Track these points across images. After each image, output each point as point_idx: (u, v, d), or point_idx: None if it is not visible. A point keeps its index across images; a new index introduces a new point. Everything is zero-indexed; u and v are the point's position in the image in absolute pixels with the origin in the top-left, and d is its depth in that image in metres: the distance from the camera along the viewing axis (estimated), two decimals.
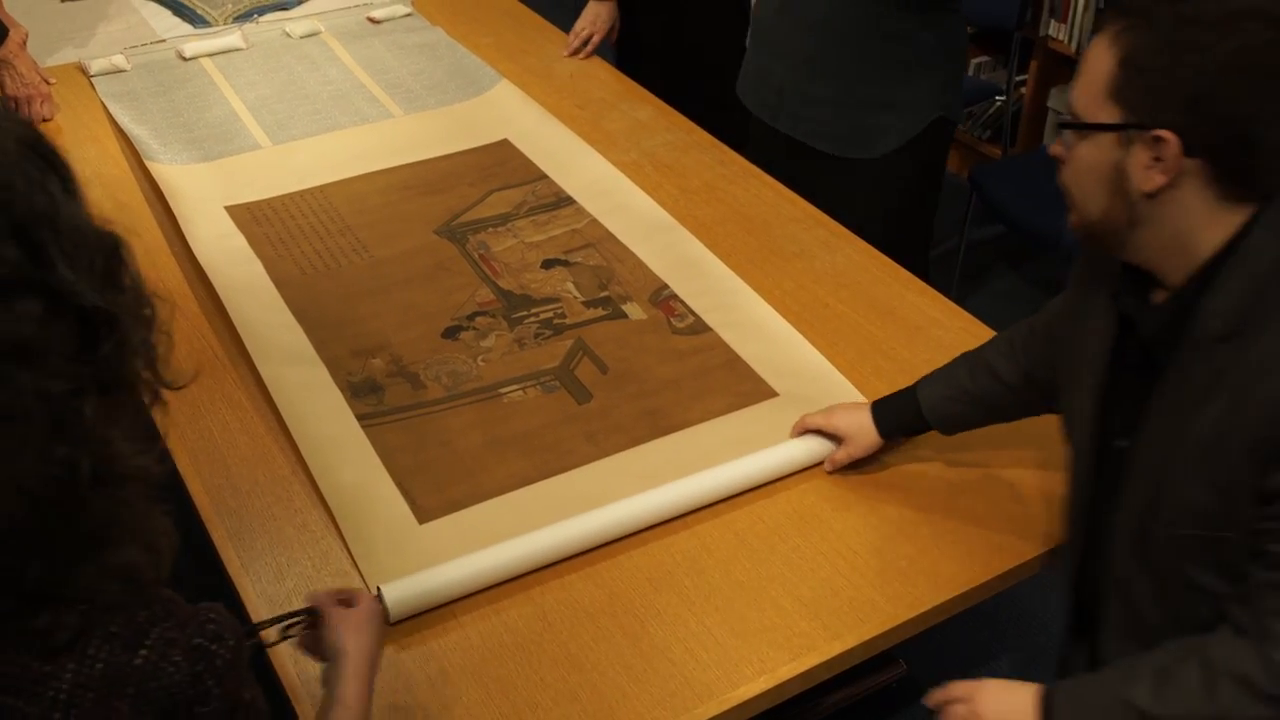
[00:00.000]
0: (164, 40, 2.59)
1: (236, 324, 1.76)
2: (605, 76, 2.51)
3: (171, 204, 2.03)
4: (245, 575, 1.42)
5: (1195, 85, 1.02)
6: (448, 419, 1.63)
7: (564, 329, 1.79)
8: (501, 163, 2.21)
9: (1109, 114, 1.08)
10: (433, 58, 2.56)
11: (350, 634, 1.11)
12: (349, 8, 2.75)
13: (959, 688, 1.25)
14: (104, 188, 2.13)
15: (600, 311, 1.83)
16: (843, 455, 1.52)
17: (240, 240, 1.97)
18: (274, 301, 1.84)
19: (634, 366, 1.72)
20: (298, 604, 1.36)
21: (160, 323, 0.83)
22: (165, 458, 0.84)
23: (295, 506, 1.51)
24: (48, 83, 2.37)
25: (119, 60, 2.48)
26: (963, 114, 2.30)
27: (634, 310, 1.84)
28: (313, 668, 1.30)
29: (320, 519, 1.49)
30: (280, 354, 1.72)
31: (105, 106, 2.36)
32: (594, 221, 2.03)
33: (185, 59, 2.51)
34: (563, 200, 2.10)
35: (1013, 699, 1.19)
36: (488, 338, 1.78)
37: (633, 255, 1.95)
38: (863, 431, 1.51)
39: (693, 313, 1.82)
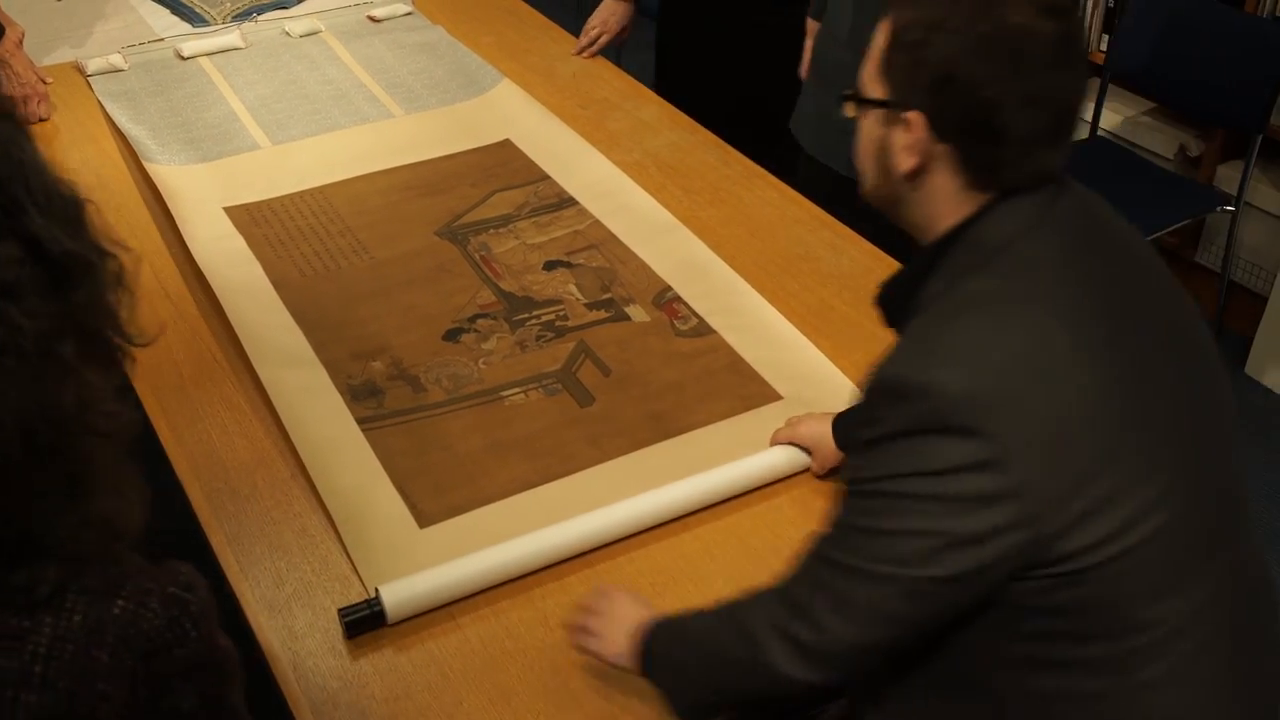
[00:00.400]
0: (162, 39, 2.57)
1: (235, 326, 1.74)
2: (608, 76, 2.49)
3: (170, 205, 2.01)
4: (244, 580, 1.40)
5: (944, 68, 1.01)
6: (449, 422, 1.61)
7: (566, 331, 1.77)
8: (503, 163, 2.19)
9: (878, 90, 1.08)
10: (434, 57, 2.54)
11: None
12: (349, 6, 2.73)
13: (591, 598, 1.28)
14: (101, 188, 2.11)
15: (603, 314, 1.81)
16: (816, 466, 1.50)
17: (239, 241, 1.95)
18: (273, 303, 1.82)
19: (637, 369, 1.70)
20: (298, 610, 1.36)
21: (126, 276, 0.87)
22: (138, 407, 0.86)
23: (295, 511, 1.49)
24: (44, 82, 2.35)
25: (116, 59, 2.46)
26: None
27: (637, 312, 1.82)
28: (314, 675, 1.29)
29: (320, 524, 1.47)
30: (279, 356, 1.70)
31: (102, 106, 2.34)
32: (596, 223, 2.01)
33: (183, 58, 2.50)
34: (565, 201, 2.08)
35: (635, 612, 1.22)
36: (489, 340, 1.76)
37: (636, 257, 1.93)
38: (825, 441, 1.48)
39: (696, 315, 1.80)
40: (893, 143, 1.06)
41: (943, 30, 1.00)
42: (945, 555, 0.95)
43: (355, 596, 1.37)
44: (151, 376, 1.69)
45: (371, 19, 2.68)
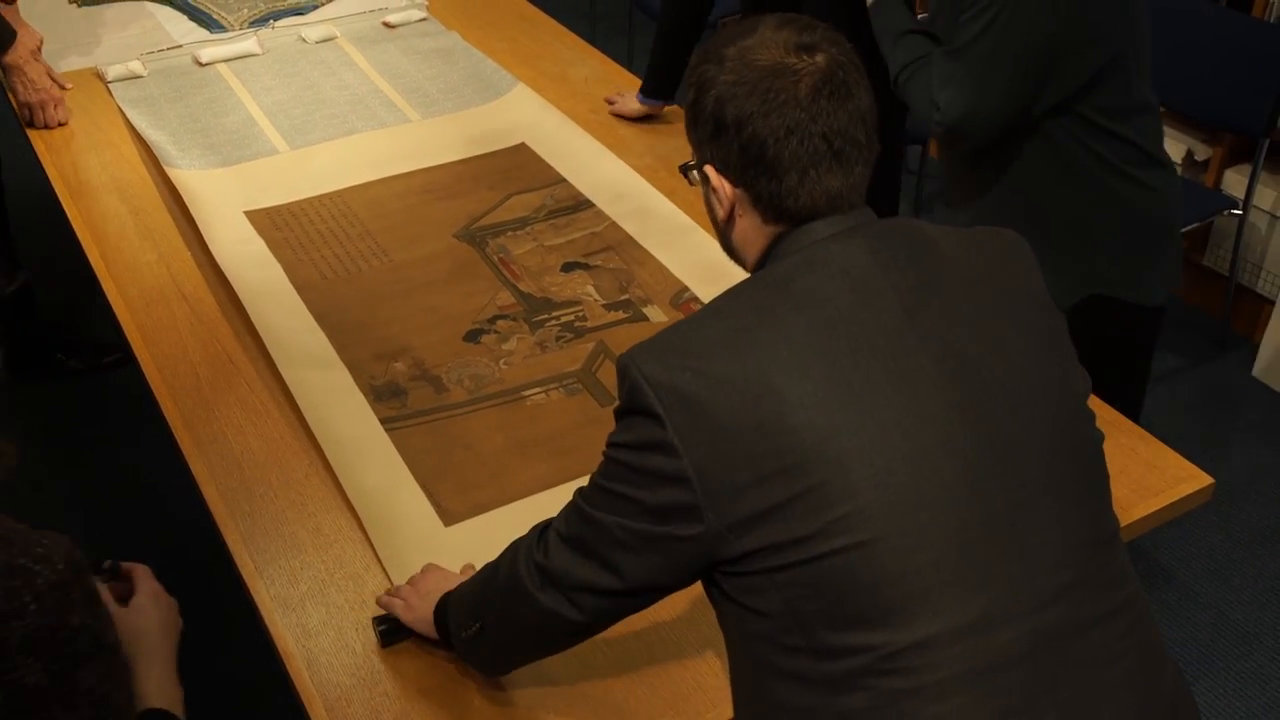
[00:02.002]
0: (180, 45, 2.59)
1: (258, 328, 1.76)
2: (620, 82, 2.51)
3: (191, 209, 2.03)
4: (259, 578, 1.42)
5: (713, 117, 1.09)
6: (471, 422, 1.63)
7: (585, 332, 1.79)
8: (519, 166, 2.21)
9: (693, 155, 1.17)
10: (449, 62, 2.56)
11: (127, 637, 1.10)
12: (364, 13, 2.75)
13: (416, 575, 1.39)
14: (121, 193, 2.13)
15: (621, 314, 1.83)
16: None
17: (260, 245, 1.98)
18: (295, 305, 1.84)
19: None
20: (312, 608, 1.37)
21: None
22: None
23: (309, 510, 1.51)
24: (63, 88, 2.38)
25: (135, 66, 2.49)
26: (1154, 298, 1.86)
27: (655, 313, 1.84)
28: (328, 672, 1.30)
29: (334, 523, 1.49)
30: (302, 357, 1.72)
31: (122, 112, 2.36)
32: (613, 224, 2.03)
33: (202, 64, 2.52)
34: (581, 204, 2.10)
35: (446, 583, 1.32)
36: (509, 341, 1.78)
37: (653, 258, 1.95)
38: None
39: None
40: (710, 198, 1.15)
41: (708, 85, 1.09)
42: (636, 515, 1.05)
43: (368, 595, 1.39)
44: (169, 377, 1.71)
45: (386, 25, 2.70)
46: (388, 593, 1.37)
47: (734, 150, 1.08)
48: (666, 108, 2.37)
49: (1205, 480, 1.52)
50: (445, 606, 1.28)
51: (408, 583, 1.37)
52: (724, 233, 1.17)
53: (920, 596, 0.98)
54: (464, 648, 1.26)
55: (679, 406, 1.01)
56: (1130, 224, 1.81)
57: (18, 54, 2.32)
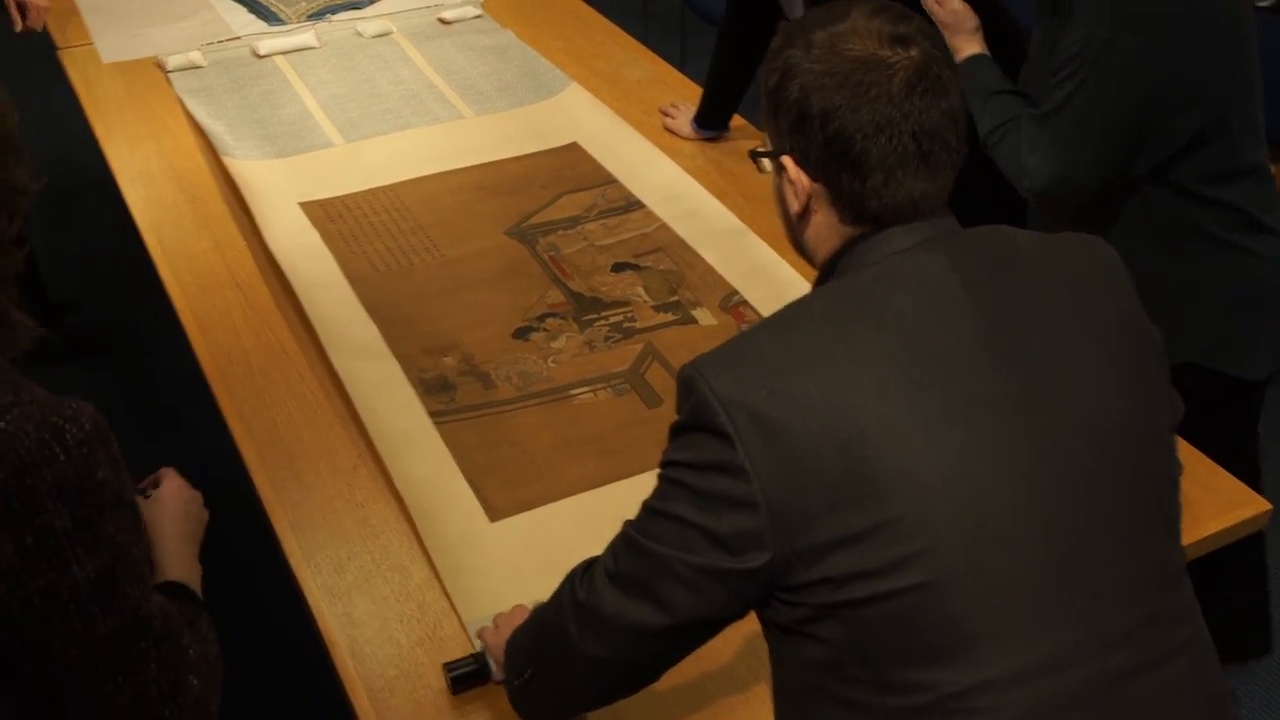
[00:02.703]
0: (239, 37, 2.62)
1: (311, 318, 1.78)
2: (673, 82, 2.52)
3: (246, 198, 2.05)
4: (306, 566, 1.43)
5: (798, 107, 1.03)
6: (519, 419, 1.64)
7: (634, 333, 1.80)
8: (571, 165, 2.22)
9: (769, 143, 1.11)
10: (503, 60, 2.57)
11: (151, 520, 1.22)
12: (420, 8, 2.77)
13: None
14: (178, 180, 2.16)
15: (670, 316, 1.83)
16: None
17: (314, 236, 2.00)
18: (347, 298, 1.86)
19: None
20: (358, 598, 1.38)
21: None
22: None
23: (357, 501, 1.52)
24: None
25: (195, 56, 2.52)
26: (1255, 371, 1.76)
27: (704, 315, 1.84)
28: (372, 663, 1.32)
29: (381, 514, 1.50)
30: (354, 349, 1.74)
31: (181, 102, 2.39)
32: (664, 226, 2.04)
33: (260, 56, 2.55)
34: (632, 204, 2.10)
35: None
36: (558, 339, 1.78)
37: (703, 260, 1.95)
38: None
39: (762, 318, 1.82)
40: (784, 190, 1.09)
41: (794, 72, 1.03)
42: (698, 545, 0.98)
43: (414, 587, 1.40)
44: (221, 365, 1.73)
45: (442, 21, 2.72)
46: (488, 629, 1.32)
47: (817, 143, 1.03)
48: None
49: (1262, 506, 1.50)
50: (507, 649, 1.21)
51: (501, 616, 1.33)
52: (794, 227, 1.12)
53: (990, 637, 0.95)
54: (516, 697, 1.19)
55: (751, 427, 0.95)
56: (1231, 293, 1.72)
57: None
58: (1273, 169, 1.75)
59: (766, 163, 1.13)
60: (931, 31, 1.06)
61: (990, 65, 1.81)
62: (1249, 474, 1.73)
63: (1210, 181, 1.65)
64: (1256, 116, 1.68)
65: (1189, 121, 1.61)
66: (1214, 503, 1.50)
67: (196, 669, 1.05)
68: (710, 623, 1.03)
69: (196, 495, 1.33)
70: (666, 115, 2.35)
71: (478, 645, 1.31)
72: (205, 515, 1.33)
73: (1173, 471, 1.09)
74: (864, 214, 1.05)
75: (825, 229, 1.08)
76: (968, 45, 1.83)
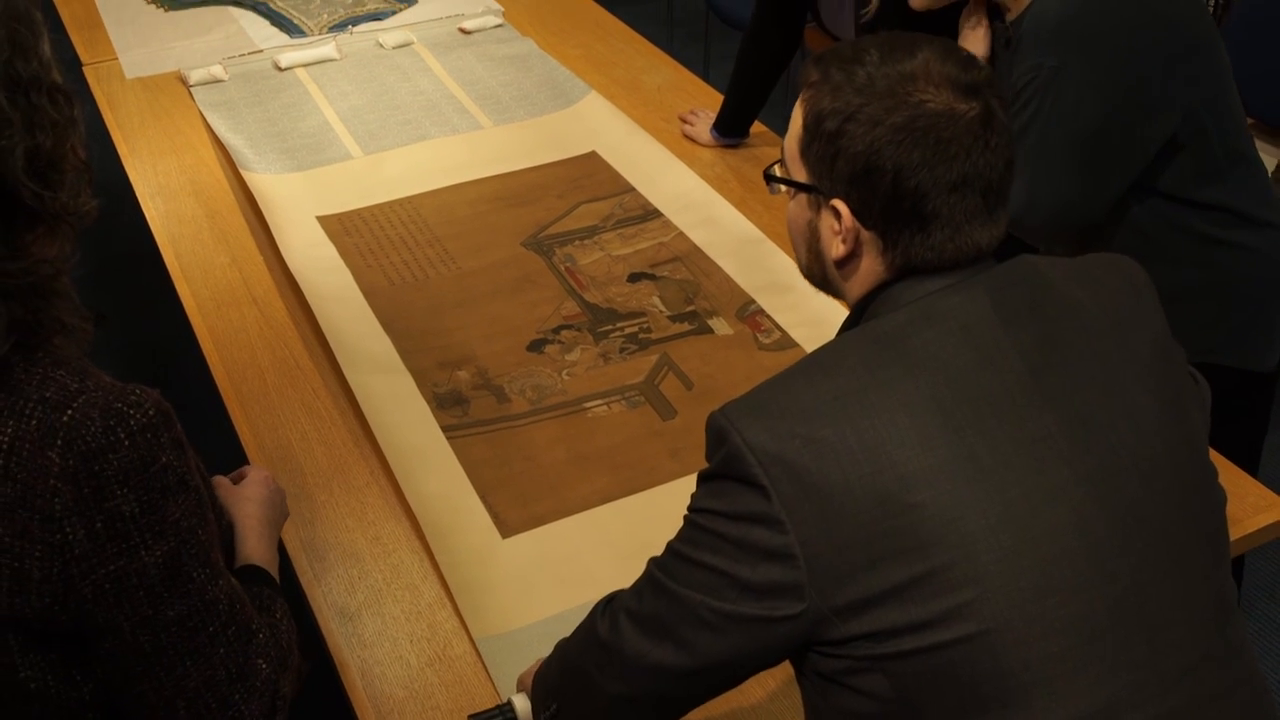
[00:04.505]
0: (261, 50, 2.63)
1: (325, 332, 1.78)
2: (693, 89, 2.50)
3: (265, 212, 2.06)
4: (317, 586, 1.43)
5: (864, 159, 0.98)
6: (532, 433, 1.62)
7: (649, 344, 1.78)
8: (589, 175, 2.21)
9: (800, 172, 1.05)
10: (523, 69, 2.56)
11: (234, 505, 1.27)
12: (441, 19, 2.77)
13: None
14: (197, 195, 2.17)
15: (686, 326, 1.82)
16: None
17: (330, 250, 1.99)
18: (362, 311, 1.85)
19: (719, 383, 1.70)
20: (368, 618, 1.38)
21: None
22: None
23: (369, 519, 1.52)
24: None
25: (217, 70, 2.53)
26: (1264, 363, 1.75)
27: (720, 325, 1.82)
28: (381, 684, 1.31)
29: (393, 532, 1.50)
30: (368, 363, 1.73)
31: (203, 115, 2.40)
32: (681, 235, 2.02)
33: (281, 69, 2.55)
34: (650, 213, 2.08)
35: None
36: (573, 351, 1.77)
37: (719, 270, 1.93)
38: None
39: (779, 328, 1.80)
40: (822, 228, 1.05)
41: (858, 120, 0.98)
42: (728, 593, 0.96)
43: (424, 606, 1.39)
44: (236, 381, 1.73)
45: (463, 31, 2.72)
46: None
47: (883, 197, 0.98)
48: None
49: None
50: (534, 681, 1.18)
51: None
52: (826, 265, 1.07)
53: (1044, 685, 0.92)
54: None
55: (786, 478, 0.93)
56: (1228, 290, 1.70)
57: None
58: (1266, 160, 1.74)
59: (780, 187, 1.09)
60: (993, 76, 1.01)
61: None
62: (1253, 461, 1.77)
63: (1196, 183, 1.64)
64: (1233, 111, 1.66)
65: (1155, 130, 1.60)
66: (1237, 508, 1.46)
67: (266, 653, 1.07)
68: (736, 666, 1.01)
69: (282, 490, 1.38)
70: (685, 122, 2.33)
71: (503, 696, 1.29)
72: (288, 510, 1.39)
73: (1219, 499, 1.06)
74: (918, 265, 1.01)
75: (868, 274, 1.04)
76: None
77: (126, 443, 0.96)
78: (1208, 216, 1.66)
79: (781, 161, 1.10)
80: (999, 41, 1.73)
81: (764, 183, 1.13)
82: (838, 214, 1.02)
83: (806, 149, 1.03)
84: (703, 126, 2.30)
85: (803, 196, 1.06)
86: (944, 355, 0.96)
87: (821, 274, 1.10)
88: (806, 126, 1.03)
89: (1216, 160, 1.64)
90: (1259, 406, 1.82)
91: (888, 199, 0.98)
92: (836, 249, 1.04)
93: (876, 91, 0.98)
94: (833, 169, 1.01)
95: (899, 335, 0.98)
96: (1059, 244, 1.73)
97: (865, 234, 1.02)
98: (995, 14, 1.75)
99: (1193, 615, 0.97)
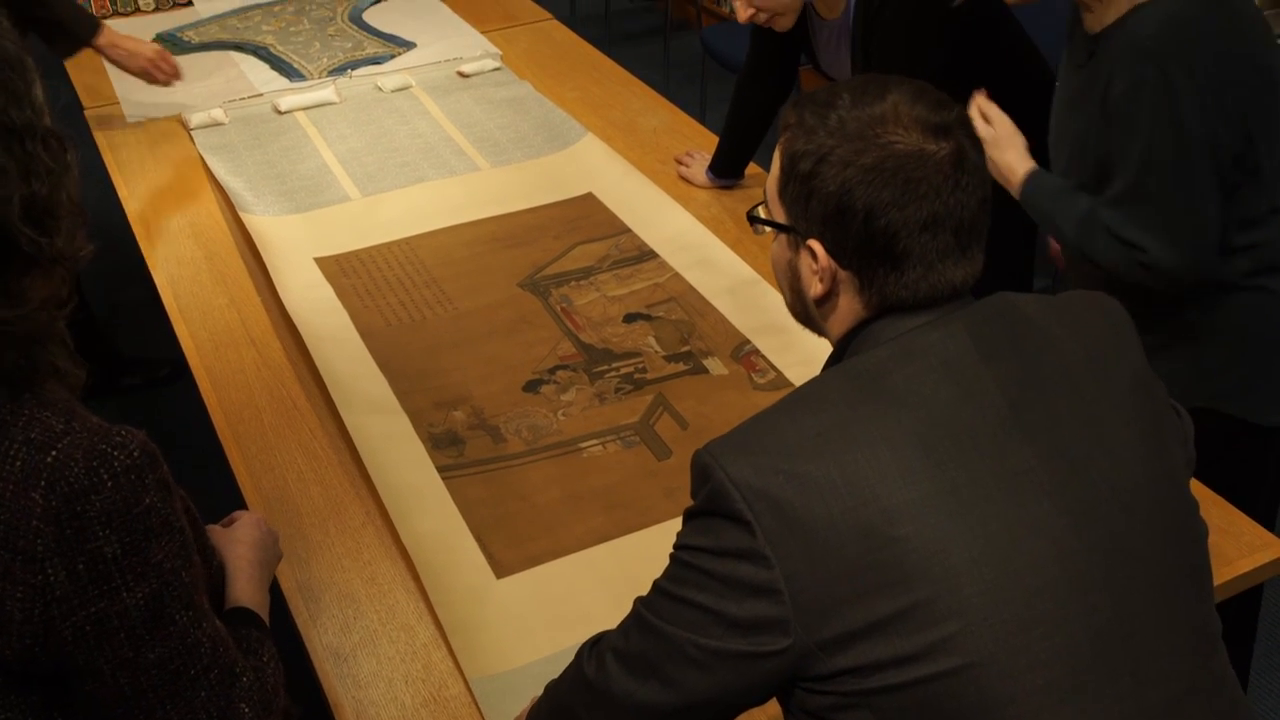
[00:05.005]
0: (261, 94, 2.66)
1: (322, 373, 1.79)
2: (688, 132, 2.52)
3: (263, 254, 2.07)
4: (312, 627, 1.42)
5: (836, 199, 1.00)
6: (527, 473, 1.63)
7: (645, 384, 1.79)
8: (585, 216, 2.22)
9: (780, 213, 1.07)
10: (520, 111, 2.59)
11: (225, 547, 1.28)
12: (440, 62, 2.80)
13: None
14: (197, 237, 2.19)
15: (681, 366, 1.83)
16: None
17: (328, 291, 2.01)
18: (359, 352, 1.86)
19: (714, 422, 1.71)
20: (363, 658, 1.38)
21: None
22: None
23: (365, 559, 1.52)
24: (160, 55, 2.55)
25: (218, 114, 2.56)
26: (1272, 418, 1.72)
27: (715, 365, 1.83)
28: (355, 697, 1.31)
29: (389, 572, 1.50)
30: (364, 404, 1.74)
31: (202, 158, 2.42)
32: (676, 275, 2.03)
33: (281, 112, 2.58)
34: (645, 254, 2.10)
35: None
36: (568, 391, 1.78)
37: (715, 310, 1.94)
38: None
39: (774, 368, 1.81)
40: (801, 267, 1.07)
41: (830, 162, 1.00)
42: (715, 630, 0.96)
43: (419, 646, 1.39)
44: (233, 422, 1.74)
45: (461, 74, 2.75)
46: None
47: (856, 237, 1.00)
48: None
49: None
50: (534, 704, 1.19)
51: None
52: (809, 305, 1.09)
53: (1029, 718, 0.92)
54: None
55: (771, 513, 0.94)
56: (1248, 337, 1.66)
57: (107, 35, 2.47)
58: None
59: (764, 228, 1.11)
60: (965, 116, 1.03)
61: (1049, 177, 1.71)
62: (1265, 520, 1.68)
63: (1237, 228, 1.60)
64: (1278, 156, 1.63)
65: (1239, 164, 1.55)
66: (1233, 547, 1.46)
67: (249, 696, 1.06)
68: (722, 705, 1.01)
69: (274, 532, 1.38)
70: (681, 164, 2.36)
71: None
72: (280, 552, 1.39)
73: (1200, 532, 1.06)
74: (894, 304, 1.02)
75: (846, 313, 1.06)
76: (1021, 163, 1.72)
77: (110, 484, 0.96)
78: (1240, 262, 1.62)
79: (764, 203, 1.12)
80: (1080, 52, 1.66)
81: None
82: (814, 254, 1.04)
83: (784, 190, 1.06)
84: (698, 168, 2.32)
85: (783, 237, 1.09)
86: (925, 390, 0.98)
87: (804, 312, 1.12)
88: (783, 168, 1.05)
89: (1259, 205, 1.60)
90: (1263, 461, 1.77)
91: (860, 238, 1.00)
92: (815, 288, 1.06)
93: (848, 134, 1.00)
94: (807, 209, 1.03)
95: (880, 371, 0.99)
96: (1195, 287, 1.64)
97: (842, 273, 1.04)
98: (1072, 23, 1.69)
99: (1176, 647, 0.98)
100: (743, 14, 1.96)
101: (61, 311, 1.04)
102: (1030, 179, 1.70)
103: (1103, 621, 0.95)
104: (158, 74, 2.53)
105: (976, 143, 1.02)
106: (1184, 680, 0.97)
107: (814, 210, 1.02)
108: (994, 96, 1.79)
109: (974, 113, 1.75)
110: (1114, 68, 1.56)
